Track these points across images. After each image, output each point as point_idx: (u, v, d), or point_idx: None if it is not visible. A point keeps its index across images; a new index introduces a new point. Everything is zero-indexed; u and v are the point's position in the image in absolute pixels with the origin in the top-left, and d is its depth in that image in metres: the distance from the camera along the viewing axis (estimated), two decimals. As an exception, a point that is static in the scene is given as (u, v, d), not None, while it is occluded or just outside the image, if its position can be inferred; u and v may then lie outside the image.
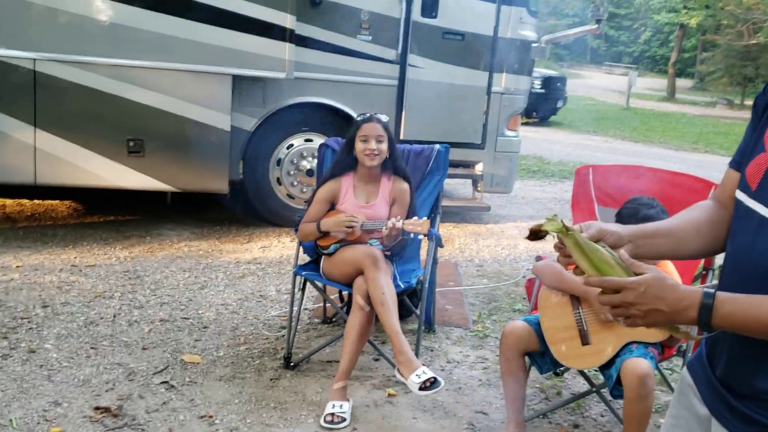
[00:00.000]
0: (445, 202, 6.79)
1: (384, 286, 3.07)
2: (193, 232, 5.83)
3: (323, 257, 3.42)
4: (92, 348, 3.54)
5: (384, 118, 3.43)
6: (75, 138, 5.16)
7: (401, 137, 6.04)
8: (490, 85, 6.18)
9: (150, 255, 5.17)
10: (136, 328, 3.84)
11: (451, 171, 6.66)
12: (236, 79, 5.46)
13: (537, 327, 2.77)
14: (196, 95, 5.26)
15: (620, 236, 1.46)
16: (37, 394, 3.04)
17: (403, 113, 6.01)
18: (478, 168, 6.45)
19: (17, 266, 4.69)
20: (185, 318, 4.03)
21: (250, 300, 4.37)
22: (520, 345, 2.77)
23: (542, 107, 17.16)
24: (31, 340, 3.57)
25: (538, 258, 3.10)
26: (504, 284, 4.99)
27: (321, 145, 3.81)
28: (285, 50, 5.32)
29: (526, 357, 2.85)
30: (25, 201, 6.44)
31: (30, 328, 3.72)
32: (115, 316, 3.97)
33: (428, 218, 3.40)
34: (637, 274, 1.33)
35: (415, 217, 3.26)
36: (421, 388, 2.85)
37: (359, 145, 3.37)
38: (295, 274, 3.46)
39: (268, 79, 5.58)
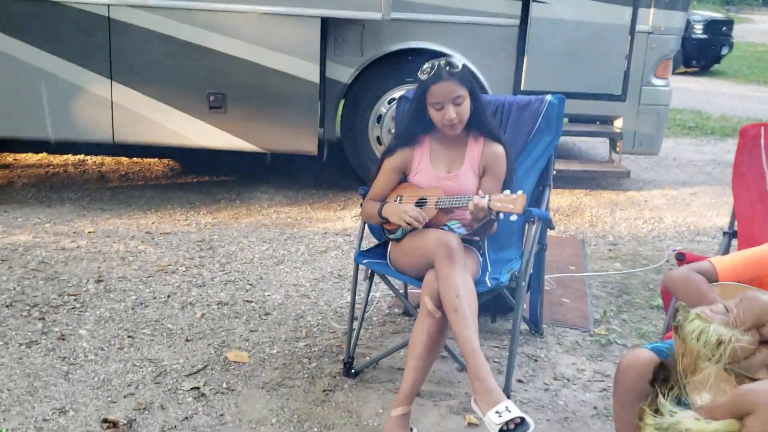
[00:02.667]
0: (575, 167, 5.85)
1: (459, 287, 2.29)
2: (287, 195, 5.28)
3: (391, 242, 2.69)
4: (129, 336, 3.05)
5: (458, 63, 2.57)
6: (153, 92, 4.72)
7: (522, 88, 5.13)
8: (634, 22, 5.08)
9: (234, 221, 4.67)
10: (188, 312, 3.32)
11: (584, 128, 5.71)
12: (328, 22, 4.78)
13: (670, 360, 1.90)
14: (280, 42, 4.64)
15: None
16: (46, 396, 2.57)
17: (525, 59, 5.08)
18: (618, 124, 5.41)
19: (89, 232, 4.34)
20: (248, 301, 3.46)
21: (326, 280, 3.74)
22: (644, 385, 1.91)
23: (703, 54, 15.27)
24: (68, 323, 3.14)
25: (680, 256, 2.19)
26: (641, 270, 4.03)
27: (400, 98, 3.05)
28: (381, -14, 4.55)
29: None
30: (123, 159, 6.18)
31: (72, 308, 3.29)
32: (169, 296, 3.47)
33: (536, 191, 2.55)
34: None
35: (507, 191, 2.44)
36: (502, 431, 2.08)
37: (434, 114, 2.57)
38: (357, 263, 2.75)
39: (366, 21, 4.84)
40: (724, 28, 15.70)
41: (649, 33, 5.13)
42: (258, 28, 4.61)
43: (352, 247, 4.26)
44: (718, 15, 17.24)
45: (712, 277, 1.88)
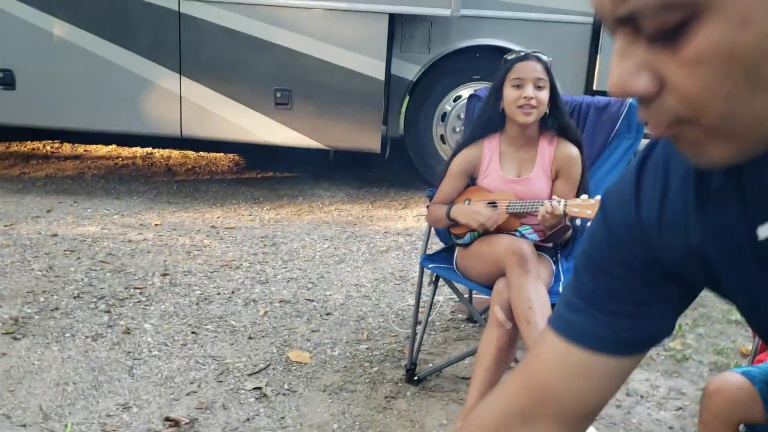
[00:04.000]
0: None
1: (532, 298, 2.19)
2: (348, 193, 5.26)
3: (458, 247, 2.60)
4: (193, 332, 3.05)
5: (545, 57, 2.51)
6: (221, 87, 4.75)
7: (594, 87, 4.96)
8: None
9: (296, 218, 4.66)
10: (251, 309, 3.31)
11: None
12: (395, 19, 4.71)
13: (764, 386, 1.76)
14: (347, 38, 4.60)
15: None
16: (110, 391, 2.58)
17: (599, 57, 4.91)
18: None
19: (156, 224, 4.40)
20: (309, 300, 3.43)
21: (387, 281, 3.68)
22: (732, 412, 1.77)
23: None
24: (134, 317, 3.16)
25: None
26: (718, 281, 3.83)
27: (471, 97, 2.96)
28: (451, -18, 4.46)
29: (742, 427, 1.86)
30: (190, 153, 6.26)
31: (138, 302, 3.32)
32: (233, 292, 3.47)
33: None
34: None
35: (584, 196, 2.32)
36: (574, 451, 1.97)
37: (510, 93, 2.47)
38: (422, 267, 2.68)
39: (434, 18, 4.76)
40: None
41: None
42: (325, 24, 4.59)
43: (413, 247, 4.19)
44: None
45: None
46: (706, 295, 3.59)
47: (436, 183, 2.70)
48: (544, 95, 2.47)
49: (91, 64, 4.69)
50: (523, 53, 2.54)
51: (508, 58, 2.55)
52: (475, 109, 2.90)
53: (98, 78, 4.73)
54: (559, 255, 2.67)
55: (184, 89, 4.74)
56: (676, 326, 3.20)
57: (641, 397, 2.70)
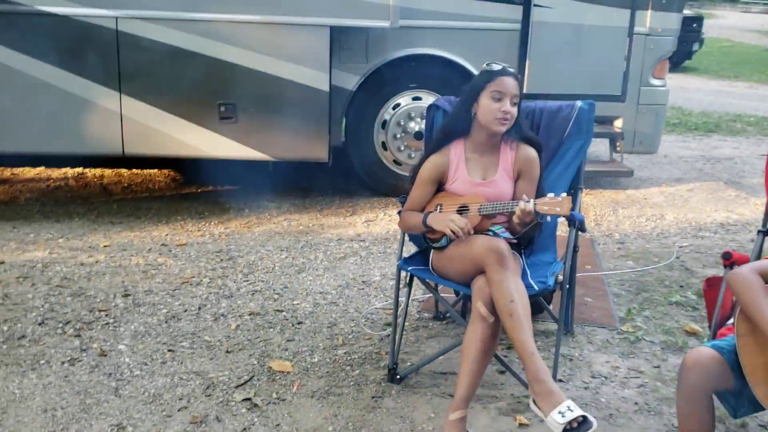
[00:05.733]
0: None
1: (513, 292, 2.36)
2: (294, 203, 5.31)
3: (433, 249, 2.75)
4: (170, 350, 3.06)
5: (518, 76, 2.70)
6: (163, 104, 4.72)
7: (524, 91, 5.20)
8: (632, 25, 5.21)
9: (246, 231, 4.69)
10: (222, 323, 3.35)
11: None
12: (335, 31, 4.82)
13: (731, 356, 1.99)
14: (290, 52, 4.68)
15: None
16: (100, 413, 2.58)
17: (527, 63, 5.17)
18: (618, 125, 5.53)
19: (105, 246, 4.33)
20: (278, 311, 3.50)
21: (351, 287, 3.79)
22: (708, 382, 1.99)
23: (676, 51, 15.56)
24: (105, 339, 3.14)
25: (727, 255, 2.28)
26: (654, 267, 4.14)
27: (430, 107, 3.11)
28: (389, -6, 4.61)
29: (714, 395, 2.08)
30: (123, 171, 6.15)
31: (106, 324, 3.30)
32: (200, 308, 3.49)
33: (568, 194, 2.62)
34: None
35: (551, 194, 2.51)
36: (566, 430, 2.15)
37: (489, 104, 2.63)
38: (399, 269, 2.81)
39: (371, 29, 4.90)
40: (694, 25, 16.05)
41: (647, 35, 5.27)
42: (268, 38, 4.65)
43: (369, 252, 4.31)
44: (688, 12, 17.60)
45: (775, 276, 1.97)
46: (646, 280, 3.90)
47: (408, 188, 2.83)
48: (516, 111, 2.66)
49: (29, 87, 4.57)
50: (502, 67, 2.69)
51: (491, 68, 2.70)
52: (435, 118, 3.06)
53: (35, 100, 4.61)
54: (523, 253, 2.86)
55: (125, 107, 4.68)
56: (625, 311, 3.47)
57: (605, 378, 2.92)
